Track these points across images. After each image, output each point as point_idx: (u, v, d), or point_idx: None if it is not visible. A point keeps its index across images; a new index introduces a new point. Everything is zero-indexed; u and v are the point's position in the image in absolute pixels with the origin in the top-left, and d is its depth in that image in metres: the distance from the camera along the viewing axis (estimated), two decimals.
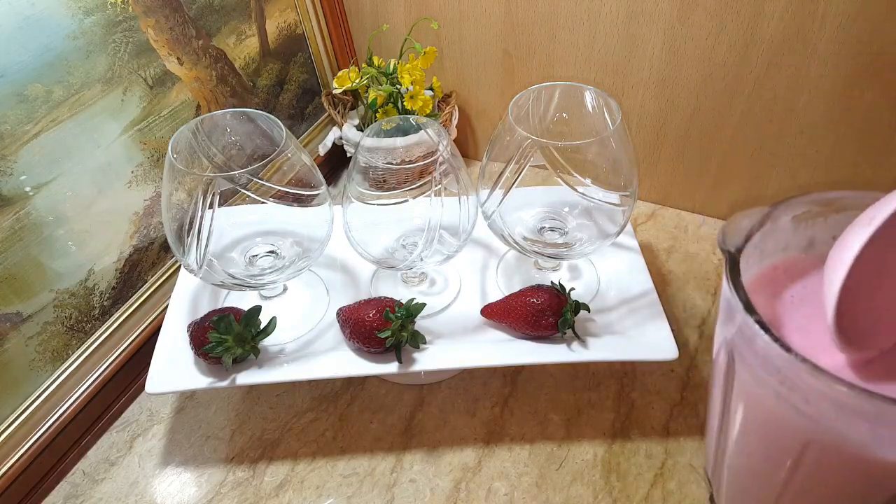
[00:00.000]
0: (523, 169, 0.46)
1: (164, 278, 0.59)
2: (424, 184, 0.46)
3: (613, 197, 0.48)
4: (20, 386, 0.49)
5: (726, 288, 0.31)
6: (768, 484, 0.35)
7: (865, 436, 0.28)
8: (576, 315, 0.48)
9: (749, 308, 0.29)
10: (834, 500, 0.33)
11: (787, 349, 0.27)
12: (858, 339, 0.30)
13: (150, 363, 0.48)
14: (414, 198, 0.47)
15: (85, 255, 0.52)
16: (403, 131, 0.58)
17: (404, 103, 0.69)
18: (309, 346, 0.51)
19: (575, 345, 0.49)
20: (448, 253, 0.50)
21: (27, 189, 0.46)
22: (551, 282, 0.50)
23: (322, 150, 0.76)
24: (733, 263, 0.32)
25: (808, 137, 0.60)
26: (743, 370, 0.32)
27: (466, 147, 0.83)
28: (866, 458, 0.28)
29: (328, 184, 0.76)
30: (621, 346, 0.49)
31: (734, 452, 0.38)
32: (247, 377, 0.48)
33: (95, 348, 0.54)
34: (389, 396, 0.55)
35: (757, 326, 0.28)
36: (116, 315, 0.56)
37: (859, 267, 0.26)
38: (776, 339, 0.27)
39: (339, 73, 0.71)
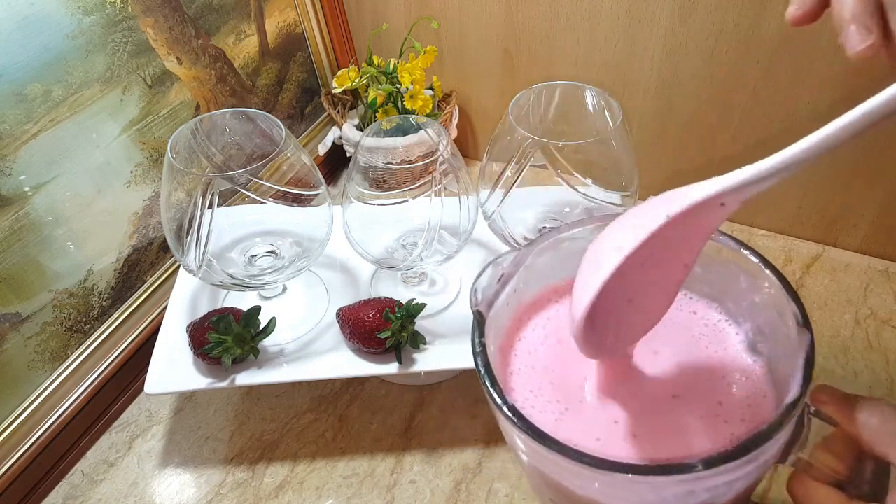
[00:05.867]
0: (524, 169, 0.46)
1: (163, 278, 0.59)
2: (424, 184, 0.46)
3: (614, 197, 0.48)
4: (19, 386, 0.49)
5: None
6: None
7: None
8: None
9: (496, 389, 0.29)
10: None
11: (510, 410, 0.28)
12: (597, 348, 0.31)
13: (149, 364, 0.48)
14: (414, 198, 0.47)
15: (84, 255, 0.52)
16: (403, 131, 0.58)
17: (404, 103, 0.68)
18: (309, 346, 0.51)
19: None
20: (448, 253, 0.49)
21: (26, 189, 0.46)
22: None
23: (322, 150, 0.76)
24: (480, 322, 0.33)
25: None
26: None
27: (466, 147, 0.82)
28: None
29: (328, 184, 0.76)
30: None
31: None
32: (246, 378, 0.48)
33: (94, 349, 0.54)
34: (389, 397, 0.55)
35: (497, 398, 0.29)
36: (115, 315, 0.55)
37: (605, 289, 0.27)
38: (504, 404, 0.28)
39: (339, 73, 0.71)
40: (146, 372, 0.48)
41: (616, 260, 0.26)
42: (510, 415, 0.27)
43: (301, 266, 0.49)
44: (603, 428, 0.31)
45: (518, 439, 0.28)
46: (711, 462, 0.24)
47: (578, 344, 0.30)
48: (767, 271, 0.31)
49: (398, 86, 0.68)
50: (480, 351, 0.31)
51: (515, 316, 0.36)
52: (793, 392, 0.26)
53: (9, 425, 0.49)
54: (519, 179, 0.46)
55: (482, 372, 0.30)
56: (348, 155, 0.73)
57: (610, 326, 0.29)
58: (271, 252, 0.52)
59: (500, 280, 0.34)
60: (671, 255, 0.28)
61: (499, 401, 0.28)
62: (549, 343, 0.35)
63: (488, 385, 0.29)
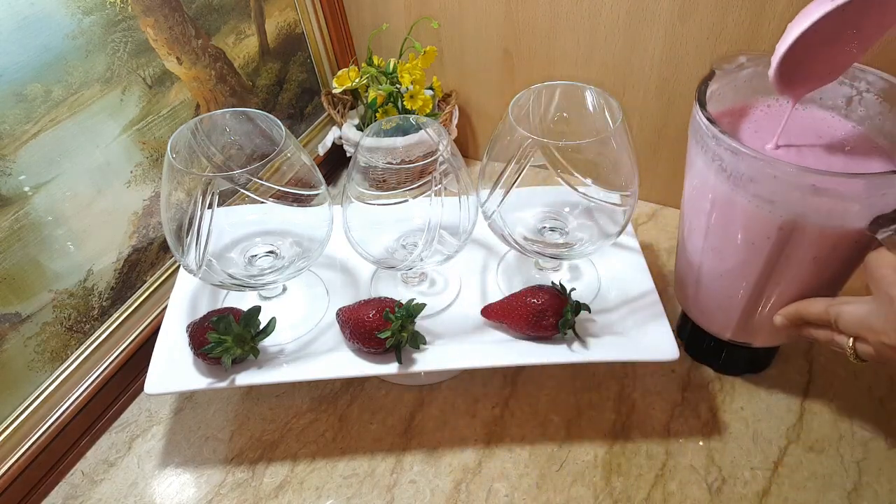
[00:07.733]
0: (524, 169, 0.46)
1: (163, 278, 0.59)
2: (424, 184, 0.46)
3: (614, 197, 0.48)
4: (19, 386, 0.49)
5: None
6: (741, 280, 0.45)
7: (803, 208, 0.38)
8: (576, 315, 0.48)
9: (702, 104, 0.41)
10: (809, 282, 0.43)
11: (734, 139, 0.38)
12: (790, 85, 0.41)
13: (149, 364, 0.48)
14: (414, 198, 0.47)
15: (84, 255, 0.52)
16: (403, 131, 0.58)
17: (404, 103, 0.68)
18: (308, 346, 0.51)
19: (575, 345, 0.48)
20: (448, 253, 0.49)
21: (26, 189, 0.46)
22: (552, 282, 0.50)
23: (322, 150, 0.76)
24: (710, 76, 0.43)
25: None
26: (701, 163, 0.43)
27: (466, 147, 0.83)
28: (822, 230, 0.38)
29: (328, 184, 0.76)
30: (622, 346, 0.49)
31: (706, 253, 0.47)
32: (246, 378, 0.48)
33: (94, 349, 0.54)
34: (389, 397, 0.55)
35: (704, 119, 0.40)
36: (115, 315, 0.55)
37: (812, 31, 0.36)
38: (714, 124, 0.39)
39: (339, 73, 0.71)
40: (146, 372, 0.48)
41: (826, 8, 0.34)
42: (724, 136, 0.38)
43: (301, 266, 0.49)
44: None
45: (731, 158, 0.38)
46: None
47: (775, 76, 0.39)
48: None
49: (398, 86, 0.68)
50: (702, 91, 0.42)
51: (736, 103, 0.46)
52: None
53: (9, 425, 0.49)
54: (519, 179, 0.46)
55: (701, 112, 0.40)
56: (348, 155, 0.73)
57: (803, 66, 0.38)
58: (271, 252, 0.52)
59: (737, 66, 0.44)
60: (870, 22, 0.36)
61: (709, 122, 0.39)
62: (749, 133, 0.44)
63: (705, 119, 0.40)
